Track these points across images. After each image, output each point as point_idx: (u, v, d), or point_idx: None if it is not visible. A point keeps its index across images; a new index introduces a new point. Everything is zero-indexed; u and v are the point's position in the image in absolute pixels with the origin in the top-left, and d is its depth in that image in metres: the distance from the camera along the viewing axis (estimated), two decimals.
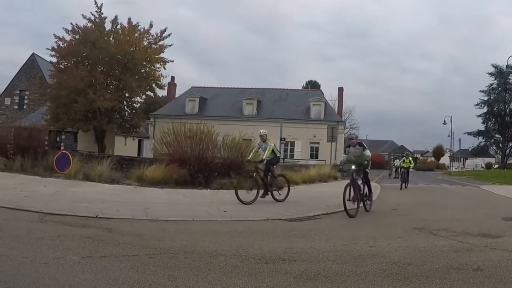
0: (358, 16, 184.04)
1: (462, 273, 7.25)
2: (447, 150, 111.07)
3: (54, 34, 39.62)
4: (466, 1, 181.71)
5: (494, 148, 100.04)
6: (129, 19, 41.55)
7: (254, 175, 16.89)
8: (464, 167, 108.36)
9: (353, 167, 14.93)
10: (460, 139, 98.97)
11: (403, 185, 29.33)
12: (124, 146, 48.61)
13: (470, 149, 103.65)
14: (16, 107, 55.14)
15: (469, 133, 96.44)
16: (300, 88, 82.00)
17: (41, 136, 29.05)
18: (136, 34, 41.34)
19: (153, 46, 41.87)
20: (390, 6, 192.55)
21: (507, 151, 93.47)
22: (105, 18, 40.82)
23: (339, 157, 51.15)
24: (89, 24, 40.31)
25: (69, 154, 22.37)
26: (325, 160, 44.56)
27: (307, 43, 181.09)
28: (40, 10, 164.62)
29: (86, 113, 39.15)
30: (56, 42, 39.72)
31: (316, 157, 53.42)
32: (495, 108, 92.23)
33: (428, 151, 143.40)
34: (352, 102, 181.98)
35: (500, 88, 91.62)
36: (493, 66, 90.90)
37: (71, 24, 40.82)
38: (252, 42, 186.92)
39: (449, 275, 7.10)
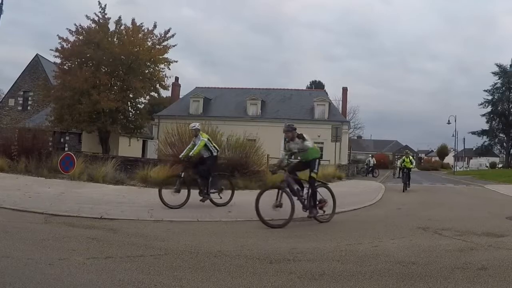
0: (363, 16, 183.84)
1: (467, 272, 7.25)
2: (451, 150, 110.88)
3: (58, 35, 39.65)
4: (472, 1, 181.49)
5: (498, 147, 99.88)
6: (133, 19, 41.57)
7: (182, 175, 15.17)
8: (468, 166, 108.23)
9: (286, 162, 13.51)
10: (464, 139, 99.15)
11: (405, 187, 27.56)
12: (128, 147, 48.62)
13: (474, 149, 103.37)
14: (20, 108, 55.25)
15: (473, 133, 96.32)
16: (304, 88, 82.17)
17: (45, 137, 29.14)
18: (140, 35, 41.32)
19: (157, 46, 41.83)
20: (396, 6, 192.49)
21: (511, 150, 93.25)
22: (109, 18, 40.83)
23: (343, 157, 51.41)
24: (93, 25, 40.31)
25: (73, 155, 22.40)
26: (329, 160, 44.42)
27: (312, 43, 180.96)
28: (44, 11, 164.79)
29: (90, 114, 39.14)
30: (60, 43, 39.75)
31: (320, 157, 53.35)
32: (499, 108, 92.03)
33: (432, 151, 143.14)
34: (356, 102, 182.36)
35: (504, 88, 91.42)
36: (497, 65, 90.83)
37: (75, 25, 40.86)
38: (256, 42, 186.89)
39: (454, 274, 7.11)
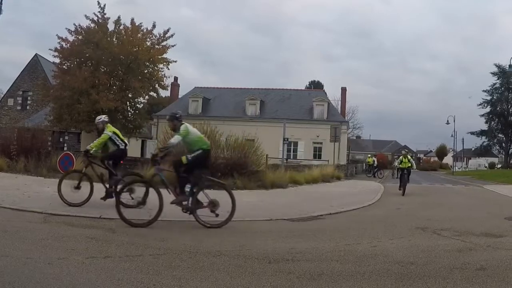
0: (363, 16, 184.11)
1: (465, 272, 7.27)
2: (450, 150, 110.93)
3: (57, 35, 39.60)
4: (471, 1, 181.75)
5: (497, 147, 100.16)
6: (132, 19, 41.49)
7: (83, 171, 14.12)
8: (467, 166, 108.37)
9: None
10: (463, 139, 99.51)
11: (404, 190, 24.25)
12: (127, 147, 48.57)
13: (473, 149, 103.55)
14: (19, 107, 55.22)
15: (472, 133, 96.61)
16: (303, 88, 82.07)
17: (44, 136, 29.12)
18: (139, 35, 41.28)
19: (156, 46, 41.79)
20: (396, 5, 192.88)
21: (510, 150, 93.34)
22: (108, 18, 40.77)
23: (342, 157, 51.43)
24: (92, 25, 40.26)
25: (72, 155, 22.35)
26: (328, 160, 44.49)
27: (311, 43, 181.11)
28: (43, 11, 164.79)
29: (89, 113, 39.04)
30: (59, 42, 39.68)
31: (319, 157, 53.33)
32: (498, 108, 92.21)
33: (431, 151, 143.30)
34: (355, 102, 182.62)
35: (503, 88, 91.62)
36: (496, 66, 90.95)
37: (74, 24, 40.87)
38: (256, 42, 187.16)
39: (452, 274, 7.13)
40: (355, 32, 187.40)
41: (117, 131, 14.70)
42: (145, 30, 41.54)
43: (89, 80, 37.67)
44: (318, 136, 54.09)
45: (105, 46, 38.77)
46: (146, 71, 41.78)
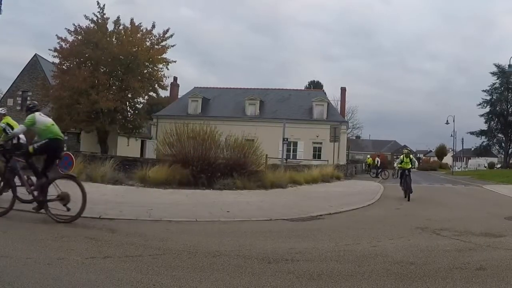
0: (362, 15, 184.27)
1: (465, 272, 7.27)
2: (450, 150, 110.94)
3: (56, 35, 39.79)
4: (471, 1, 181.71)
5: (497, 147, 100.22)
6: (132, 19, 41.64)
7: None
8: (467, 166, 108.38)
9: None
10: (462, 139, 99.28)
11: (407, 194, 21.37)
12: (127, 147, 48.63)
13: (472, 149, 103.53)
14: (18, 108, 55.08)
15: (471, 133, 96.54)
16: (303, 88, 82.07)
17: None
18: (138, 35, 41.38)
19: (156, 46, 41.90)
20: (395, 5, 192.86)
21: (510, 150, 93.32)
22: (107, 18, 40.89)
23: (342, 157, 51.43)
24: (92, 25, 40.37)
25: (72, 155, 22.33)
26: (327, 160, 44.52)
27: (311, 43, 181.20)
28: (43, 11, 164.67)
29: (88, 114, 39.17)
30: (58, 42, 39.83)
31: (319, 157, 53.34)
32: (497, 108, 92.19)
33: (430, 151, 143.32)
34: (355, 102, 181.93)
35: (502, 88, 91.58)
36: (496, 65, 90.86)
37: (74, 24, 40.95)
38: (255, 42, 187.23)
39: (452, 274, 7.12)
40: (354, 32, 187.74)
41: (11, 122, 13.92)
42: (144, 30, 41.69)
43: (88, 80, 37.74)
44: (317, 136, 54.08)
45: (105, 46, 38.87)
46: (145, 71, 41.89)
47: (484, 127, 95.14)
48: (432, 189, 31.93)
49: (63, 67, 40.58)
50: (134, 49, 40.13)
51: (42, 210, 10.73)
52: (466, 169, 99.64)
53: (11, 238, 8.56)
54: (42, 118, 11.58)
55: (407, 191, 21.34)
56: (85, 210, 10.66)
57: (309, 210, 15.13)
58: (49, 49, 41.64)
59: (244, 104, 58.28)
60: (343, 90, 66.69)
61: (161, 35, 42.01)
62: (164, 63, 42.61)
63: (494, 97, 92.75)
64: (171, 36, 42.30)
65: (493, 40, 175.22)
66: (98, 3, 40.32)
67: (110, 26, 41.23)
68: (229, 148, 23.00)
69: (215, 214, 13.27)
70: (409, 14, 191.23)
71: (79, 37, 40.11)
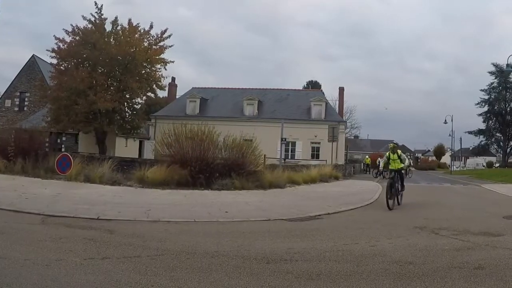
0: (361, 15, 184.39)
1: (463, 271, 7.28)
2: (448, 149, 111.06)
3: (54, 36, 39.82)
4: (469, 1, 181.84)
5: (495, 147, 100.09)
6: (129, 20, 41.51)
7: None
8: (465, 166, 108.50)
9: None
10: (461, 138, 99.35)
11: (394, 200, 17.42)
12: (125, 148, 48.54)
13: (471, 148, 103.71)
14: (16, 109, 55.06)
15: (470, 132, 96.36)
16: (301, 88, 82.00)
17: (42, 138, 29.06)
18: (136, 35, 41.27)
19: (154, 47, 41.80)
20: (394, 5, 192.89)
21: (508, 150, 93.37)
22: (105, 19, 40.76)
23: (340, 157, 51.39)
24: (89, 25, 40.24)
25: (70, 156, 22.39)
26: (326, 160, 44.45)
27: (309, 43, 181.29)
28: (40, 12, 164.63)
29: (86, 114, 39.06)
30: (56, 43, 39.66)
31: (317, 157, 53.25)
32: (495, 107, 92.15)
33: (429, 150, 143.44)
34: (353, 101, 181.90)
35: (500, 87, 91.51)
36: (494, 65, 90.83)
37: (71, 25, 40.78)
38: (253, 42, 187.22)
39: (450, 273, 7.13)
40: (353, 32, 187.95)
41: None
42: (142, 31, 41.53)
43: (86, 80, 37.62)
44: (316, 136, 53.99)
45: (103, 47, 38.77)
46: (143, 71, 41.74)
47: (482, 126, 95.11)
48: (431, 188, 31.97)
49: (61, 67, 40.47)
50: (132, 50, 40.04)
51: None
52: (465, 169, 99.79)
53: (9, 239, 8.57)
54: None
55: (395, 197, 17.60)
56: (83, 211, 10.67)
57: (308, 210, 15.12)
58: (46, 50, 41.54)
59: (242, 104, 58.18)
60: (341, 90, 66.56)
61: (159, 36, 41.90)
62: (162, 64, 42.51)
63: (492, 96, 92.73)
64: (169, 36, 42.22)
65: (492, 39, 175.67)
66: (95, 3, 40.21)
67: (108, 27, 41.15)
68: (227, 148, 22.99)
69: (213, 214, 13.27)
70: (408, 14, 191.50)
71: (77, 38, 39.99)
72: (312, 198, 19.42)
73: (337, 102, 66.80)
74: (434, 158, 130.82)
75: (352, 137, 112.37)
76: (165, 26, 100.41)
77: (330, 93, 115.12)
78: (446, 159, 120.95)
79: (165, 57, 42.74)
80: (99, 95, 37.81)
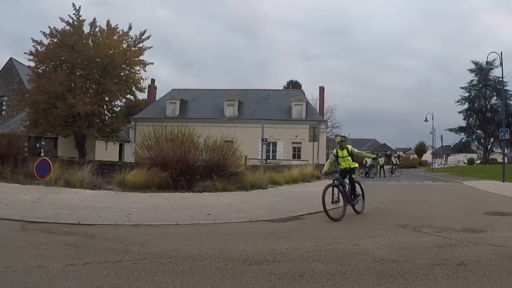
0: (340, 14, 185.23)
1: (446, 268, 7.30)
2: (430, 147, 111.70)
3: (32, 38, 39.39)
4: None
5: (476, 144, 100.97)
6: (108, 21, 41.40)
7: None
8: (446, 163, 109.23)
9: None
10: (442, 136, 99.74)
11: (344, 209, 13.68)
12: (105, 151, 48.38)
13: (452, 145, 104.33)
14: None
15: (450, 130, 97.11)
16: (281, 88, 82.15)
17: (21, 142, 28.83)
18: (115, 37, 41.17)
19: (133, 48, 41.70)
20: (373, 3, 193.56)
21: (489, 146, 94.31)
22: (83, 21, 40.62)
23: (321, 156, 51.47)
24: (67, 27, 40.07)
25: (49, 161, 22.23)
26: (307, 160, 44.51)
27: (288, 42, 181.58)
28: (18, 14, 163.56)
29: (65, 118, 38.88)
30: (34, 46, 39.48)
31: (299, 157, 53.35)
32: (476, 105, 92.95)
33: (410, 148, 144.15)
34: (334, 101, 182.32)
35: (480, 85, 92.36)
36: (474, 62, 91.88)
37: (49, 27, 40.55)
38: (232, 42, 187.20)
39: (433, 270, 7.14)
40: (333, 31, 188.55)
41: None
42: (121, 32, 41.50)
43: (65, 83, 37.48)
44: (297, 136, 54.10)
45: (81, 49, 38.65)
46: (122, 73, 41.69)
47: (463, 123, 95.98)
48: (412, 186, 32.06)
49: (39, 70, 40.28)
50: (111, 52, 39.94)
51: None
52: (446, 166, 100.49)
53: None
54: None
55: (343, 203, 13.93)
56: (63, 216, 10.61)
57: (290, 210, 15.14)
58: (24, 53, 41.23)
59: (223, 105, 58.20)
60: (321, 89, 66.70)
61: (138, 37, 41.82)
62: (141, 65, 42.43)
63: (472, 94, 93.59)
64: (148, 37, 42.16)
65: (471, 37, 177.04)
66: (73, 5, 40.07)
67: (86, 28, 41.02)
68: (208, 150, 22.96)
69: (195, 217, 13.23)
70: (388, 12, 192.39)
71: (55, 40, 39.81)
72: (294, 198, 19.44)
73: (318, 102, 66.98)
74: (415, 156, 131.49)
75: (333, 137, 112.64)
76: (144, 27, 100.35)
77: (311, 92, 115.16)
78: (427, 156, 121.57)
79: (144, 58, 42.81)
80: (78, 98, 37.66)
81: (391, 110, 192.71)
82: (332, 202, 13.61)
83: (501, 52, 37.06)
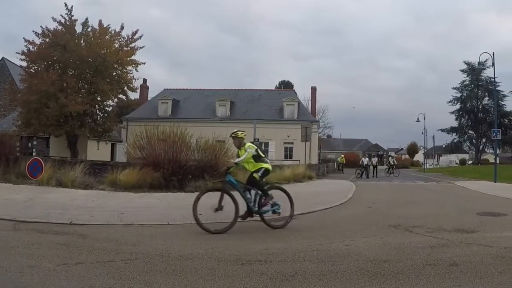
0: (332, 14, 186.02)
1: (438, 268, 7.32)
2: (421, 147, 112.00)
3: (24, 38, 39.31)
4: None
5: (468, 144, 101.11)
6: (100, 21, 41.36)
7: None
8: (438, 163, 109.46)
9: None
10: (433, 136, 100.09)
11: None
12: (97, 151, 48.35)
13: (444, 146, 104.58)
14: None
15: (442, 130, 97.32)
16: (273, 88, 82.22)
17: (12, 142, 28.74)
18: (107, 37, 41.12)
19: (125, 48, 41.65)
20: (365, 3, 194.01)
21: (481, 147, 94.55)
22: (75, 20, 40.55)
23: (313, 156, 51.51)
24: (60, 27, 40.00)
25: (41, 160, 22.15)
26: (299, 160, 44.56)
27: (280, 43, 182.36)
28: (10, 13, 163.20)
29: (57, 117, 38.80)
30: (26, 45, 39.41)
31: (291, 157, 53.40)
32: (467, 105, 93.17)
33: (402, 149, 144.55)
34: (326, 101, 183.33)
35: (472, 85, 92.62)
36: (465, 63, 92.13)
37: (41, 27, 40.47)
38: (225, 42, 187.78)
39: (425, 271, 7.16)
40: (324, 31, 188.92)
41: None
42: (113, 32, 41.46)
43: (57, 83, 37.43)
44: (289, 136, 54.14)
45: (73, 49, 38.58)
46: (114, 73, 41.65)
47: (455, 124, 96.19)
48: (404, 186, 32.11)
49: (31, 70, 40.21)
50: (103, 51, 39.88)
51: None
52: (438, 166, 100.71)
53: None
54: None
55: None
56: (55, 216, 10.57)
57: (282, 210, 15.11)
58: (16, 52, 41.18)
59: (215, 105, 58.20)
60: (313, 89, 66.80)
61: (130, 37, 41.80)
62: (133, 65, 42.40)
63: (464, 94, 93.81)
64: (140, 37, 42.15)
65: (463, 37, 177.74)
66: (66, 4, 40.00)
67: (78, 28, 40.95)
68: (200, 150, 22.95)
69: (187, 216, 13.17)
70: (379, 12, 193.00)
71: (47, 40, 39.74)
72: (286, 199, 19.42)
73: (310, 102, 67.16)
74: (407, 156, 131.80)
75: (325, 137, 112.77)
76: (137, 27, 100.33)
77: (303, 93, 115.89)
78: (419, 157, 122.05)
79: (137, 58, 42.77)
80: (70, 98, 37.59)
81: (383, 110, 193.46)
82: (215, 211, 11.61)
83: (493, 53, 37.11)
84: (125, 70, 42.50)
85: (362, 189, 26.51)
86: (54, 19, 40.07)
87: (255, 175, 12.37)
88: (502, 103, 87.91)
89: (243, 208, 11.79)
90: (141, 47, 42.50)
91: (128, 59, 41.75)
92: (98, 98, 42.04)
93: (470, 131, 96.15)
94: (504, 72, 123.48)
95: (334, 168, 63.44)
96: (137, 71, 43.30)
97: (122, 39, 41.80)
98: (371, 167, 47.95)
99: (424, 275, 6.89)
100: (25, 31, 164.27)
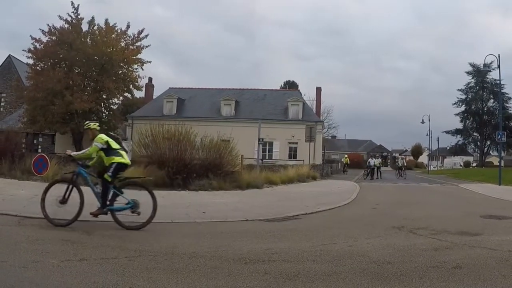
0: (336, 14, 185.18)
1: (441, 271, 7.30)
2: (426, 149, 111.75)
3: (30, 36, 39.49)
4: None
5: (472, 146, 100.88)
6: (106, 20, 41.51)
7: None
8: (442, 165, 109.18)
9: None
10: (438, 138, 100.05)
11: None
12: None
13: (448, 148, 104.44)
14: None
15: (447, 132, 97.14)
16: (278, 88, 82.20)
17: (18, 139, 28.84)
18: (113, 35, 41.22)
19: (130, 47, 41.74)
20: (369, 4, 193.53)
21: (485, 149, 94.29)
22: (81, 19, 40.69)
23: (318, 157, 51.44)
24: (66, 25, 40.13)
25: (46, 157, 22.21)
26: (303, 160, 44.46)
27: (285, 43, 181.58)
28: (17, 11, 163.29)
29: (63, 115, 38.92)
30: (32, 43, 39.57)
31: (295, 157, 53.29)
32: (473, 107, 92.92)
33: (406, 150, 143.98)
34: (330, 101, 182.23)
35: (477, 87, 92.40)
36: (471, 65, 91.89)
37: (48, 25, 40.65)
38: (230, 41, 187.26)
39: (428, 273, 7.14)
40: (328, 31, 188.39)
41: None
42: (119, 31, 41.58)
43: (63, 81, 37.55)
44: (293, 136, 54.05)
45: (79, 47, 38.68)
46: (120, 71, 41.75)
47: (460, 126, 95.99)
48: (408, 188, 32.06)
49: (37, 68, 40.36)
50: (109, 50, 39.99)
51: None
52: (442, 168, 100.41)
53: None
54: None
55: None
56: (59, 212, 10.57)
57: (286, 210, 15.12)
58: (23, 50, 41.39)
59: (220, 105, 58.11)
60: (318, 89, 66.71)
61: (136, 36, 41.92)
62: (139, 64, 42.52)
63: (469, 96, 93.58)
64: (146, 36, 42.28)
65: (468, 39, 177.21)
66: (72, 3, 40.13)
67: (85, 27, 41.11)
68: (205, 149, 22.96)
69: (191, 215, 13.23)
70: (383, 13, 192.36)
71: (53, 38, 39.88)
72: (290, 199, 19.43)
73: (315, 102, 67.08)
74: (411, 157, 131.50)
75: (330, 137, 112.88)
76: (142, 26, 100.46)
77: (307, 93, 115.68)
78: (423, 158, 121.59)
79: (142, 57, 42.96)
80: (75, 95, 37.72)
81: (387, 111, 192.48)
82: (59, 202, 11.04)
83: (499, 55, 37.07)
84: (131, 69, 42.63)
85: (366, 190, 26.49)
86: (60, 18, 40.26)
87: (105, 176, 11.16)
88: (508, 105, 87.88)
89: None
90: (146, 46, 42.66)
91: (134, 57, 41.86)
92: (104, 96, 42.18)
93: (475, 133, 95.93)
94: (510, 74, 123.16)
95: (339, 168, 63.33)
96: (142, 69, 43.47)
97: (128, 37, 41.95)
98: (375, 168, 47.83)
99: (427, 277, 6.88)
100: (31, 29, 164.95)
